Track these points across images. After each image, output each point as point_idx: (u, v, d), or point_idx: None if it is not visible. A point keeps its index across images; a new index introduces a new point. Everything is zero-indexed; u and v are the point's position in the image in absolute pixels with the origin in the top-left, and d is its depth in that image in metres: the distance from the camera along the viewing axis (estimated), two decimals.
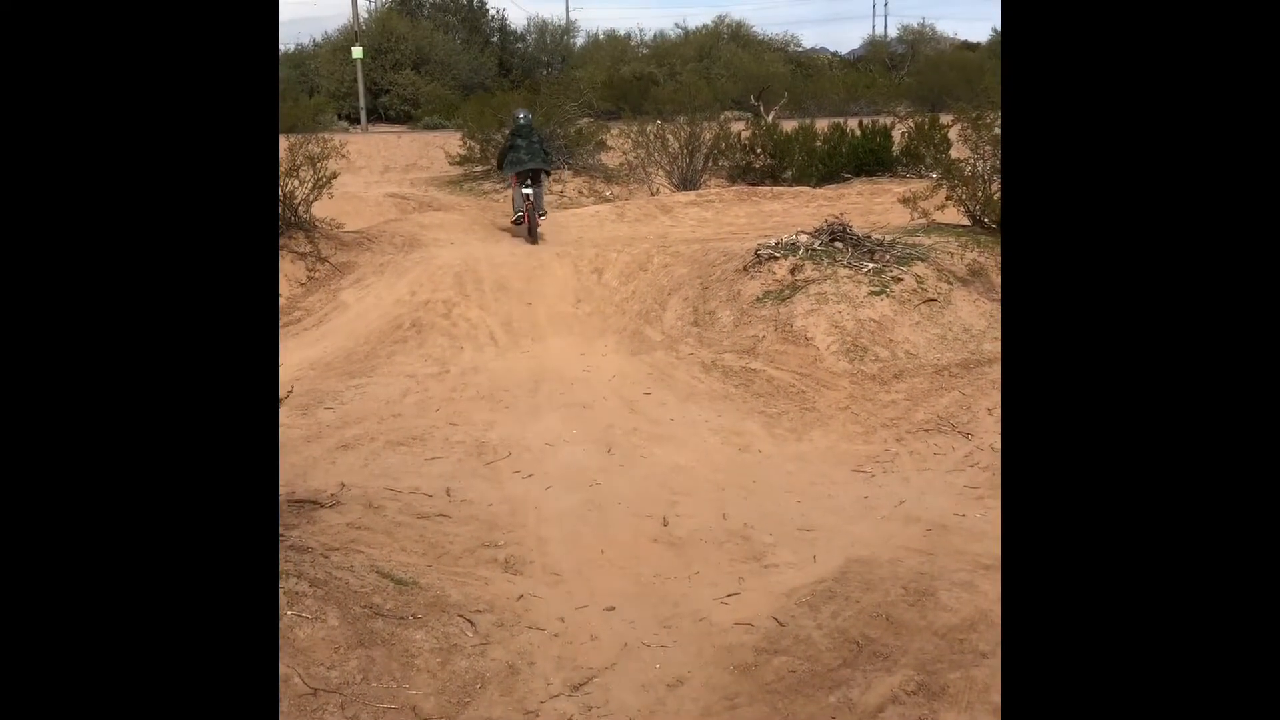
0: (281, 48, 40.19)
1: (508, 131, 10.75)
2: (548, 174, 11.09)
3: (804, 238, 8.18)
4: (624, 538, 4.60)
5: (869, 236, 8.22)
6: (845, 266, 7.63)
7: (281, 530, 4.22)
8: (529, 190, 10.32)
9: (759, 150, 15.92)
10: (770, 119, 18.26)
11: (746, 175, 15.68)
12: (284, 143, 10.79)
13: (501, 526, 4.69)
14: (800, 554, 4.41)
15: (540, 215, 10.59)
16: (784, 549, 4.47)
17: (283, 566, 3.56)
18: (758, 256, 8.03)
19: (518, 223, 10.67)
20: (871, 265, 7.62)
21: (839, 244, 8.01)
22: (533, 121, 10.85)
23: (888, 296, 7.27)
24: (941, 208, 9.04)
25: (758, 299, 7.61)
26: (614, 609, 3.95)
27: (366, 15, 36.78)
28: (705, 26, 42.94)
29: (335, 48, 35.60)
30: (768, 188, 14.04)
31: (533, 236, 10.42)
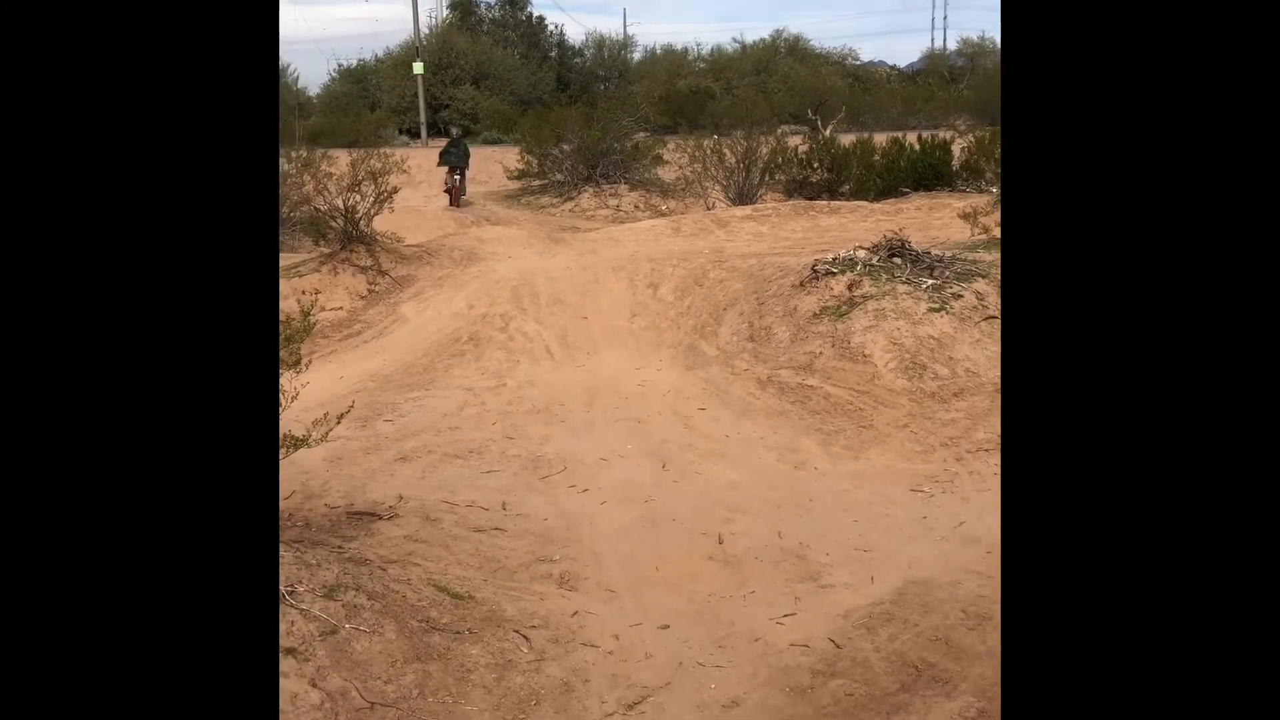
0: (344, 62, 40.98)
1: (446, 140, 18.24)
2: (464, 169, 17.51)
3: (862, 253, 8.11)
4: (678, 555, 4.58)
5: (928, 252, 8.13)
6: (904, 283, 7.55)
7: (340, 543, 4.28)
8: (456, 177, 17.12)
9: (816, 164, 15.85)
10: (828, 133, 18.17)
11: (803, 189, 15.61)
12: (346, 157, 11.02)
13: (556, 541, 4.70)
14: (857, 574, 4.36)
15: (463, 195, 17.36)
16: (841, 569, 4.42)
17: (341, 579, 3.60)
18: (814, 272, 7.98)
19: (447, 191, 17.24)
20: (931, 281, 7.53)
21: (897, 260, 7.92)
22: (461, 136, 18.54)
23: (948, 313, 7.17)
24: None
25: (814, 315, 7.56)
26: (668, 627, 3.93)
27: (428, 31, 37.38)
28: (762, 40, 42.97)
29: (397, 63, 36.26)
30: (825, 202, 13.97)
31: (456, 204, 17.04)
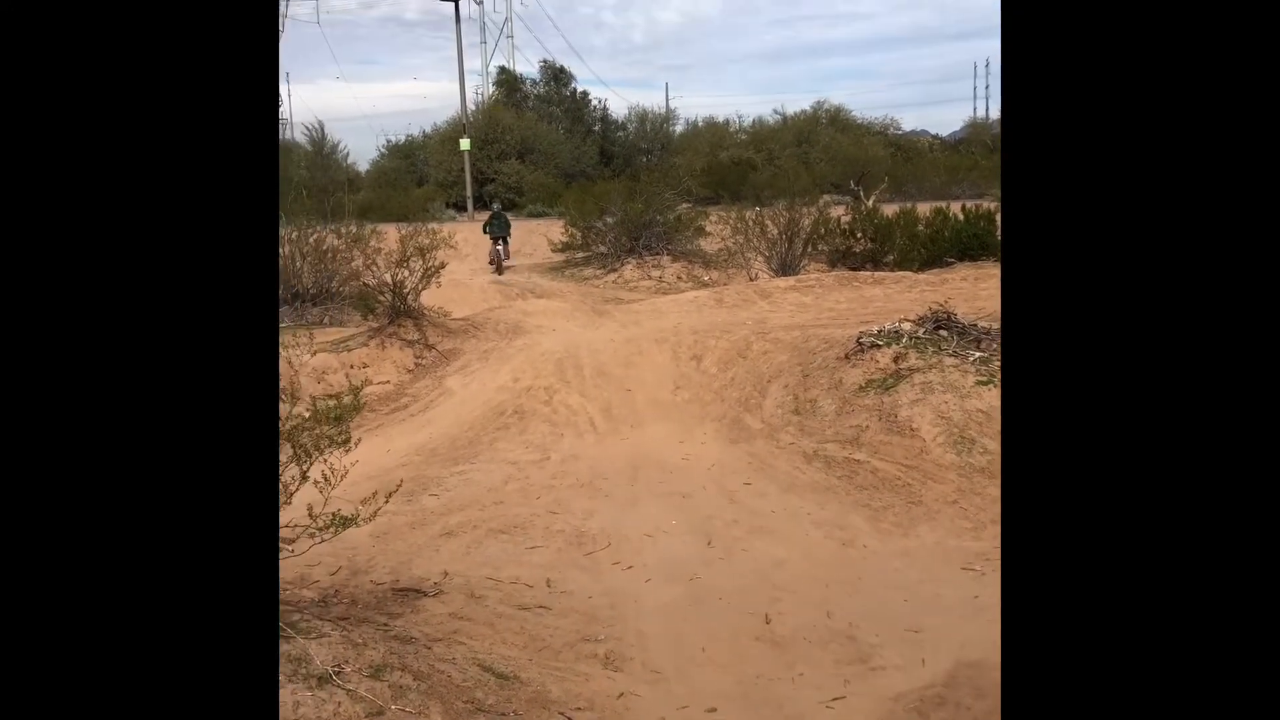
0: (392, 138, 42.01)
1: (489, 214, 20.39)
2: (506, 239, 19.51)
3: (907, 325, 8.08)
4: (725, 635, 4.52)
5: (975, 324, 8.08)
6: (951, 355, 7.50)
7: (386, 620, 4.28)
8: (499, 246, 18.94)
9: (859, 234, 15.89)
10: (870, 203, 18.25)
11: (847, 260, 15.65)
12: (394, 233, 11.27)
13: (601, 620, 4.66)
14: (908, 656, 4.26)
15: (505, 260, 19.06)
16: (891, 650, 4.33)
17: (387, 659, 3.59)
18: (860, 345, 7.95)
19: (491, 262, 18.85)
20: (978, 354, 7.47)
21: (944, 332, 7.88)
22: (501, 210, 20.39)
23: (995, 386, 7.10)
24: None
25: (860, 388, 7.52)
26: (715, 710, 3.86)
27: (474, 107, 38.31)
28: (804, 111, 43.44)
29: (444, 138, 37.17)
30: (869, 272, 13.97)
31: (499, 271, 18.48)
